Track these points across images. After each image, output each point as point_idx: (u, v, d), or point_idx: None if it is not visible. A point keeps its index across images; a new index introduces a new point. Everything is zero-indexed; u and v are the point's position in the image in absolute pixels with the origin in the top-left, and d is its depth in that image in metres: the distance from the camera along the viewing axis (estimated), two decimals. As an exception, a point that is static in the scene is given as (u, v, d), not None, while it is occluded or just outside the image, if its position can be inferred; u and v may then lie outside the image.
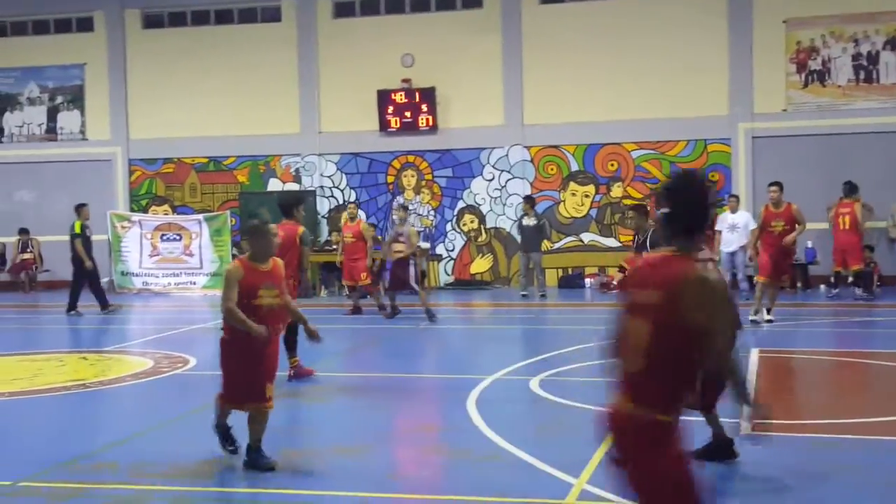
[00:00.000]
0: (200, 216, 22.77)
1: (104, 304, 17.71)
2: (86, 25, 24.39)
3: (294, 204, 10.92)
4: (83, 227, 17.80)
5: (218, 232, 22.30)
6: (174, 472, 6.97)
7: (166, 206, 24.07)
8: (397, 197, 22.29)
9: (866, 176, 18.71)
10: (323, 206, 23.10)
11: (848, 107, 20.35)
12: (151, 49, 23.92)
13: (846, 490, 6.44)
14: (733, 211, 18.69)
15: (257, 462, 6.84)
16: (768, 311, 14.29)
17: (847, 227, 17.88)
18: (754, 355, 11.42)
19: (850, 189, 18.14)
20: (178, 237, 22.62)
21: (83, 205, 18.25)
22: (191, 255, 22.09)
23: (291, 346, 10.29)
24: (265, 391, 6.86)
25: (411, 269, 15.96)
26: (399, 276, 15.95)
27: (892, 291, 18.52)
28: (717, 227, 19.00)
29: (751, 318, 13.87)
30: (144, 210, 23.90)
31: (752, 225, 18.31)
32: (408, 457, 7.73)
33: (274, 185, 23.38)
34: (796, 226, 13.90)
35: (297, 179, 23.29)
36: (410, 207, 22.39)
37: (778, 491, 6.48)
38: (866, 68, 20.31)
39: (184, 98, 23.51)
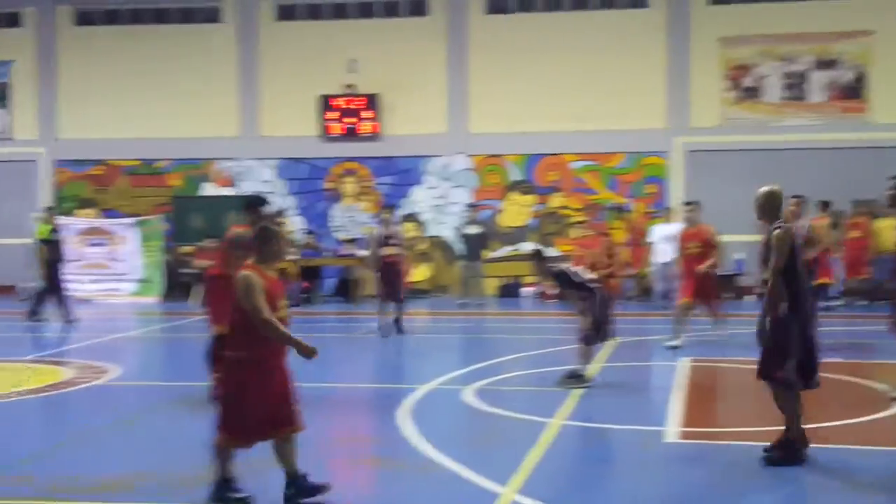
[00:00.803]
0: (131, 220, 22.30)
1: (34, 313, 16.98)
2: (13, 21, 23.77)
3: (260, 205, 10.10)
4: (51, 232, 17.16)
5: (148, 237, 21.92)
6: (94, 486, 6.66)
7: (93, 210, 23.42)
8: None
9: (796, 191, 19.09)
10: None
11: (779, 123, 20.94)
12: (84, 47, 23.43)
13: (764, 496, 6.67)
14: (668, 223, 19.07)
15: (314, 488, 6.17)
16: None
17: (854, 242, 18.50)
18: (683, 364, 11.72)
19: (824, 205, 18.62)
20: (104, 242, 22.15)
21: (51, 208, 17.87)
22: (117, 260, 21.63)
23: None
24: (297, 409, 6.21)
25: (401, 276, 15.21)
26: (392, 283, 14.89)
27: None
28: (651, 239, 19.47)
29: (667, 345, 13.12)
30: (70, 214, 22.83)
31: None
32: (335, 469, 7.69)
33: (209, 189, 23.11)
34: (712, 250, 13.16)
35: (234, 184, 23.00)
36: (349, 215, 22.48)
37: (697, 497, 6.66)
38: (796, 87, 20.92)
39: (116, 98, 23.08)
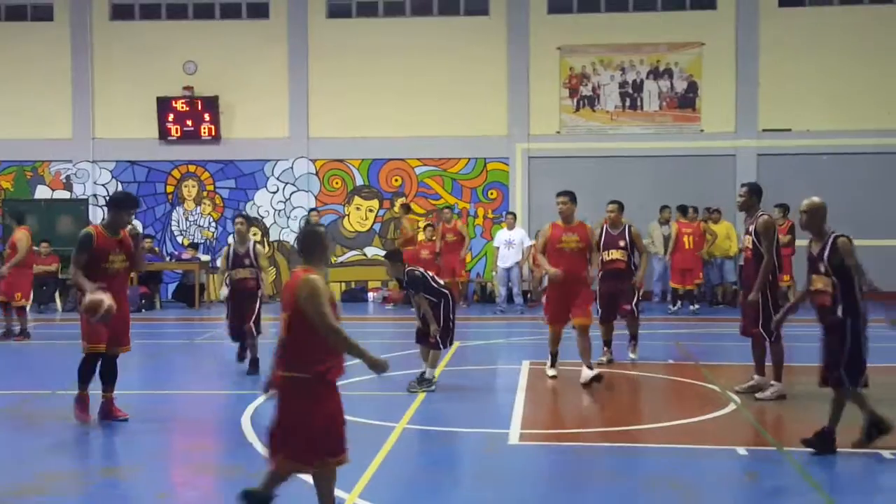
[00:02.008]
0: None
1: None
2: None
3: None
4: None
5: None
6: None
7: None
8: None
9: (631, 196, 19.60)
10: (96, 216, 22.24)
11: (615, 131, 21.60)
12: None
13: (603, 494, 6.87)
14: (510, 228, 19.47)
15: None
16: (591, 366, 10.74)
17: (691, 246, 18.99)
18: (526, 367, 11.92)
19: (683, 210, 19.37)
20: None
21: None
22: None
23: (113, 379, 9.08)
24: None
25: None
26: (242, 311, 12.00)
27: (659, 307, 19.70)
28: (495, 244, 19.83)
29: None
30: None
31: (528, 242, 19.20)
32: (181, 477, 7.58)
33: (42, 192, 22.41)
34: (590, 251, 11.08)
35: (69, 187, 22.39)
36: (190, 219, 22.03)
37: (540, 498, 6.81)
38: (631, 96, 21.65)
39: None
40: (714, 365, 12.41)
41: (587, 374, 10.34)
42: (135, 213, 9.60)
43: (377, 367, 5.48)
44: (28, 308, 15.74)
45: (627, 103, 21.62)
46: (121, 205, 8.91)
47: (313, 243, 5.68)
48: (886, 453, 7.60)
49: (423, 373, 10.48)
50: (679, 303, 19.22)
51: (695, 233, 19.30)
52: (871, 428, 7.73)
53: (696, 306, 19.24)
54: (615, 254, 11.89)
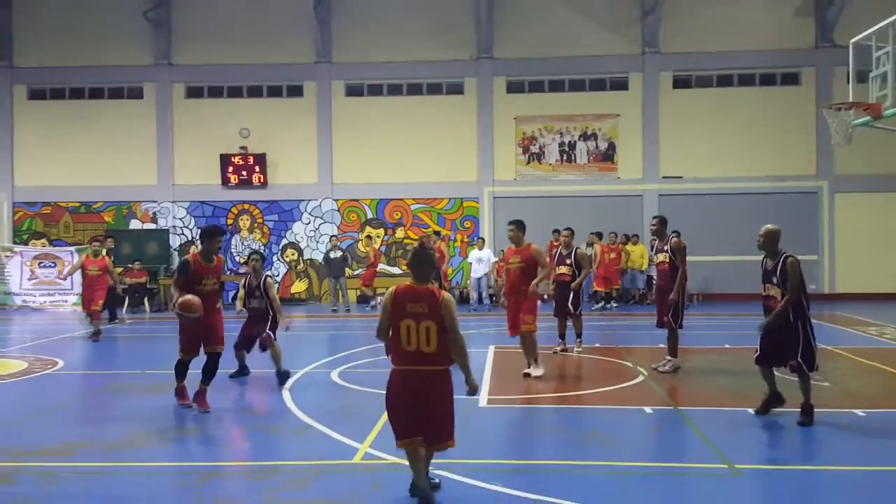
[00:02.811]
0: (73, 248, 21.25)
1: None
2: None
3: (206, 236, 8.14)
4: None
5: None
6: (41, 451, 6.53)
7: (44, 240, 22.33)
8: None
9: (568, 226, 19.94)
10: (175, 242, 22.25)
11: (556, 178, 21.71)
12: (35, 115, 22.39)
13: (550, 444, 6.96)
14: (480, 248, 19.58)
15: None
16: (531, 363, 9.90)
17: (609, 261, 19.23)
18: (491, 351, 12.00)
19: (599, 235, 19.62)
20: (52, 265, 21.03)
21: None
22: (63, 279, 20.50)
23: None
24: None
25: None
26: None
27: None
28: (468, 260, 19.89)
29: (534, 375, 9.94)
30: (25, 243, 22.13)
31: (493, 258, 19.33)
32: (236, 432, 7.61)
33: (135, 224, 22.31)
34: (538, 268, 9.81)
35: (154, 220, 22.29)
36: (245, 243, 21.99)
37: (506, 441, 6.94)
38: (567, 152, 21.79)
39: (61, 154, 22.15)
40: (628, 347, 12.51)
41: (526, 369, 9.87)
42: (223, 240, 8.68)
43: (473, 385, 5.12)
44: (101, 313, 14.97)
45: (565, 158, 21.74)
46: (211, 235, 7.96)
47: (428, 263, 5.20)
48: (750, 411, 7.70)
49: None
50: (602, 302, 19.35)
51: (613, 251, 19.49)
52: (772, 400, 7.52)
53: (615, 305, 19.36)
54: (563, 269, 11.81)
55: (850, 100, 11.43)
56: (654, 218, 10.38)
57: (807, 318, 7.23)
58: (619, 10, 21.40)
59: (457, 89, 21.91)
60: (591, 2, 21.36)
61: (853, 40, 11.46)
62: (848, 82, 11.93)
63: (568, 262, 11.87)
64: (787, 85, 21.24)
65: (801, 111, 20.83)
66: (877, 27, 10.55)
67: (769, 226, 7.49)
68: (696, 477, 5.93)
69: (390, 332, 5.07)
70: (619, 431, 7.19)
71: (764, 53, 21.00)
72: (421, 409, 4.98)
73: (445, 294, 5.06)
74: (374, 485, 5.65)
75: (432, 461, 5.29)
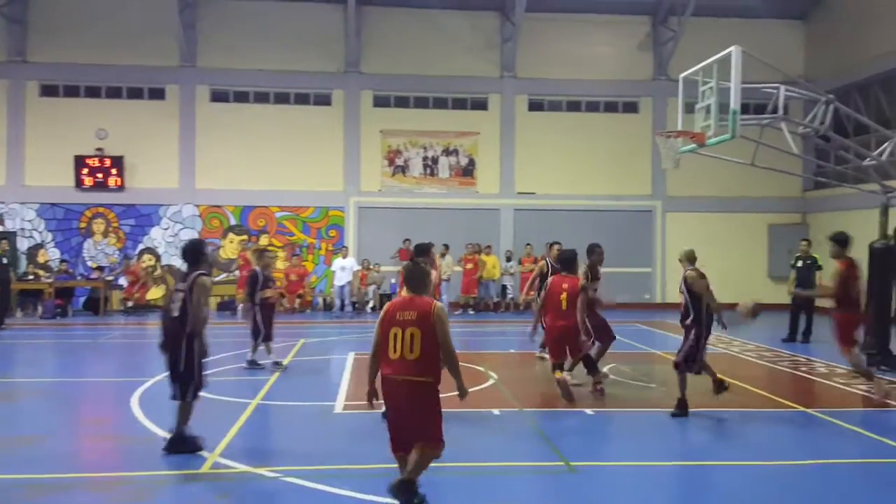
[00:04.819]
0: None
1: None
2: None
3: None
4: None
5: None
6: None
7: None
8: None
9: (429, 238, 19.72)
10: (23, 245, 20.55)
11: (419, 191, 21.91)
12: None
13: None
14: (344, 257, 19.44)
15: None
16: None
17: (469, 269, 19.50)
18: (351, 357, 11.90)
19: (446, 247, 19.82)
20: None
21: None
22: None
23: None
24: None
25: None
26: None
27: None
28: (333, 268, 19.69)
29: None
30: None
31: (357, 267, 19.24)
32: (81, 444, 7.13)
33: (-23, 225, 20.44)
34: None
35: (1, 222, 20.49)
36: (98, 248, 20.71)
37: (359, 447, 6.85)
38: (430, 167, 22.04)
39: None
40: (481, 353, 12.76)
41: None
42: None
43: (463, 391, 5.28)
44: None
45: (428, 171, 21.97)
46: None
47: (419, 276, 5.25)
48: (589, 411, 8.08)
49: (277, 360, 10.48)
50: (461, 309, 19.70)
51: (472, 261, 19.93)
52: (683, 403, 7.89)
53: (472, 312, 19.78)
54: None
55: (679, 128, 12.26)
56: (557, 243, 10.90)
57: (702, 324, 7.80)
58: (481, 35, 21.96)
59: (324, 100, 21.66)
60: (456, 25, 21.78)
61: (682, 75, 12.30)
62: (678, 112, 12.82)
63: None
64: (627, 112, 22.56)
65: (640, 137, 22.16)
66: (702, 64, 11.37)
67: (685, 248, 8.44)
68: (536, 475, 6.13)
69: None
70: (468, 433, 7.31)
71: (608, 83, 22.21)
72: (403, 421, 5.01)
73: (438, 304, 5.08)
74: (221, 493, 5.45)
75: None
